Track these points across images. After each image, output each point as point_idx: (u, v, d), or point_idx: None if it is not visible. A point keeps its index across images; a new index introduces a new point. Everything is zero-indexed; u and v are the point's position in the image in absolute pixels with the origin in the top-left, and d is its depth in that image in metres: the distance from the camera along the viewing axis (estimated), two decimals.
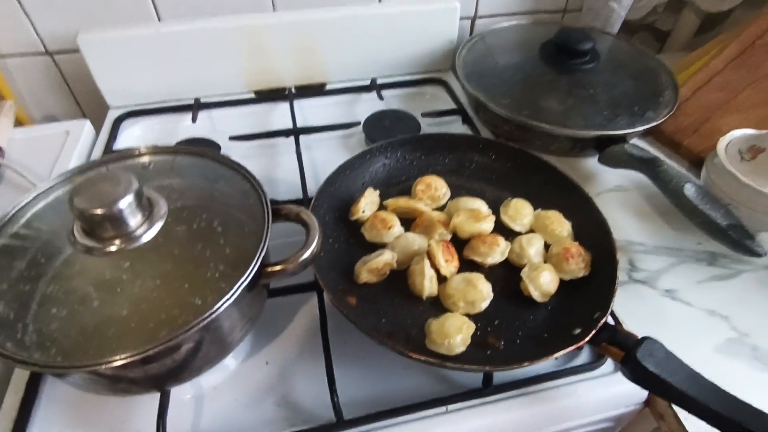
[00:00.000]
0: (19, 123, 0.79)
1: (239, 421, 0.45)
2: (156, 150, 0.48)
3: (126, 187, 0.37)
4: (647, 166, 0.60)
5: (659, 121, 0.67)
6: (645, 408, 0.50)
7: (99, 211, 0.36)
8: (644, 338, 0.42)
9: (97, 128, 0.76)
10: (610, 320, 0.51)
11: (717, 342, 0.52)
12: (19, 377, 0.47)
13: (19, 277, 0.37)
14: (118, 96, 0.78)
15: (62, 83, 0.81)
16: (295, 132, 0.72)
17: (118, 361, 0.32)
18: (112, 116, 0.77)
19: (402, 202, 0.56)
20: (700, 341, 0.52)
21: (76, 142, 0.72)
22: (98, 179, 0.37)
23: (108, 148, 0.71)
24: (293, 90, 0.82)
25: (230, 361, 0.49)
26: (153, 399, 0.43)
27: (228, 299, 0.36)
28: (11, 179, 0.66)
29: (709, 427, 0.39)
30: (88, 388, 0.38)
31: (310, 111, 0.81)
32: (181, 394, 0.47)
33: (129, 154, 0.47)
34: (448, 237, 0.55)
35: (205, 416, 0.46)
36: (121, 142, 0.74)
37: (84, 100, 0.84)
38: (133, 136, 0.76)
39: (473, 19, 0.90)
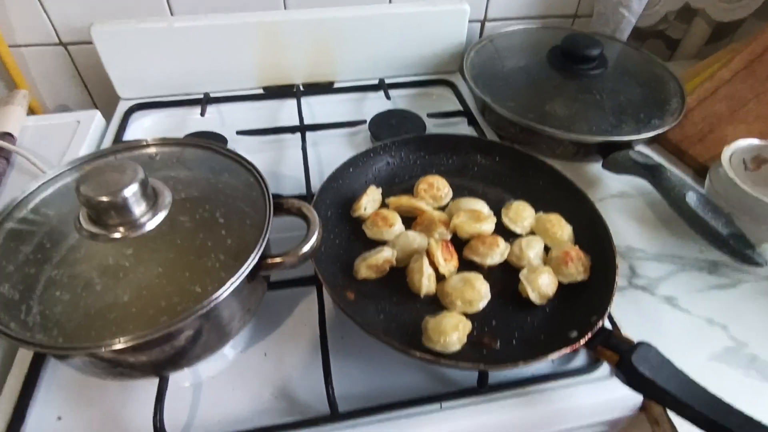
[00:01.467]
0: (32, 112, 0.81)
1: (236, 410, 0.46)
2: (163, 142, 0.49)
3: (131, 176, 0.38)
4: (650, 172, 0.60)
5: (664, 129, 0.67)
6: (640, 413, 0.50)
7: (104, 199, 0.37)
8: (639, 343, 0.42)
9: (108, 119, 0.77)
10: (608, 325, 0.52)
11: (714, 350, 0.52)
12: (22, 359, 0.48)
13: (25, 260, 0.38)
14: (129, 88, 0.79)
15: (75, 74, 0.82)
16: (302, 128, 0.72)
17: (118, 345, 0.33)
18: (122, 107, 0.78)
19: (404, 200, 0.57)
20: (698, 349, 0.51)
21: (87, 131, 0.73)
22: (105, 168, 0.38)
23: (117, 138, 0.72)
24: (301, 87, 0.83)
25: (229, 351, 0.50)
26: (152, 385, 0.44)
27: (227, 288, 0.36)
28: (22, 166, 0.68)
29: None
30: (88, 371, 0.39)
31: (318, 108, 0.82)
32: (179, 381, 0.47)
33: (136, 144, 0.48)
34: (449, 236, 0.55)
35: (203, 404, 0.46)
36: (131, 134, 0.75)
37: (96, 91, 0.85)
38: (143, 127, 0.77)
39: (483, 22, 0.90)
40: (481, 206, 0.58)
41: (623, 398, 0.48)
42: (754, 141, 0.60)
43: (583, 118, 0.68)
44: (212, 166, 0.47)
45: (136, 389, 0.47)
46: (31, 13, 0.73)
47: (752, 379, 0.49)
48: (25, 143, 0.71)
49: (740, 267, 0.58)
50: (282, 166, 0.71)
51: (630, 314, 0.54)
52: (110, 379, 0.40)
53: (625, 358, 0.41)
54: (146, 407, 0.43)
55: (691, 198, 0.55)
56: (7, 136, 0.69)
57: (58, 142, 0.71)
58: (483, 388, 0.46)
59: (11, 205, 0.42)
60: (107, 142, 0.73)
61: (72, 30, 0.76)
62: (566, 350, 0.43)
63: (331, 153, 0.72)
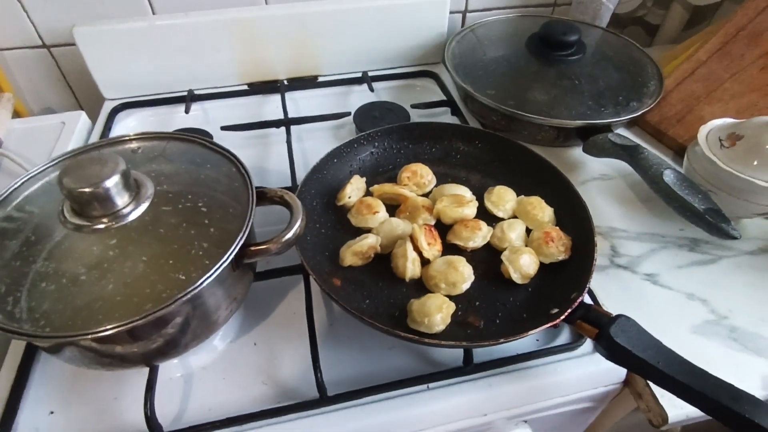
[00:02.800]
0: (17, 115, 0.81)
1: (227, 398, 0.46)
2: (146, 136, 0.49)
3: (113, 168, 0.38)
4: (629, 153, 0.61)
5: (643, 111, 0.68)
6: (624, 388, 0.52)
7: (87, 190, 0.37)
8: (617, 315, 0.43)
9: (93, 120, 0.78)
10: (591, 303, 0.53)
11: (695, 323, 0.53)
12: (14, 355, 0.48)
13: (12, 254, 0.38)
14: (113, 88, 0.79)
15: (59, 76, 0.82)
16: (286, 122, 0.73)
17: (103, 333, 0.33)
18: (107, 108, 0.79)
19: (387, 188, 0.58)
20: (679, 323, 0.53)
21: (72, 132, 0.73)
22: (86, 161, 0.39)
23: (104, 138, 0.73)
24: (285, 82, 0.84)
25: (219, 342, 0.51)
26: (143, 376, 0.45)
27: (211, 275, 0.37)
28: (8, 168, 0.68)
29: (684, 404, 0.40)
30: (78, 362, 0.40)
31: (303, 102, 0.82)
32: (170, 372, 0.48)
33: (119, 139, 0.49)
34: (432, 222, 0.56)
35: (194, 394, 0.47)
36: (116, 133, 0.75)
37: (81, 93, 0.85)
38: (128, 127, 0.78)
39: (464, 13, 0.91)
40: (464, 191, 0.59)
41: (606, 372, 0.49)
42: (729, 120, 0.62)
43: (563, 103, 0.69)
44: (194, 159, 0.48)
45: (127, 382, 0.47)
46: (13, 16, 0.73)
47: (732, 350, 0.51)
48: (11, 146, 0.71)
49: (721, 243, 0.59)
50: (267, 160, 0.71)
51: (612, 292, 0.55)
52: (100, 369, 0.41)
53: (604, 330, 0.42)
54: (138, 399, 0.44)
55: (668, 176, 0.56)
56: None
57: (44, 143, 0.71)
58: (468, 366, 0.47)
59: None
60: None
61: (55, 32, 0.76)
62: (548, 325, 0.44)
63: (316, 146, 0.73)
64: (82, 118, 0.76)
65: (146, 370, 0.45)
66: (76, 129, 0.74)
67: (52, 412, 0.45)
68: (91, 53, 0.75)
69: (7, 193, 0.43)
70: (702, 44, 0.75)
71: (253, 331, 0.52)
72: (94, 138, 0.74)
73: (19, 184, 0.44)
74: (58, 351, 0.38)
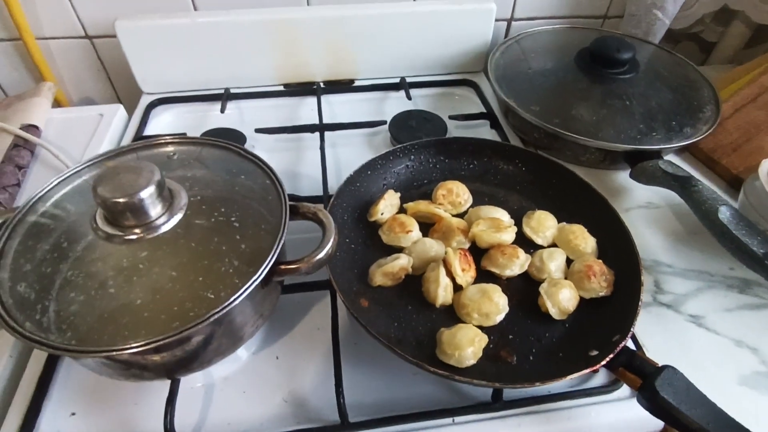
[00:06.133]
0: (58, 104, 0.82)
1: (246, 413, 0.46)
2: (182, 140, 0.49)
3: (148, 178, 0.38)
4: (680, 184, 0.58)
5: (697, 138, 0.64)
6: None
7: (121, 200, 0.36)
8: (664, 366, 0.40)
9: (130, 113, 0.78)
10: (631, 344, 0.50)
11: (743, 374, 0.49)
12: (38, 356, 0.48)
13: (42, 259, 0.38)
14: (151, 83, 0.80)
15: (100, 67, 0.83)
16: (321, 128, 0.72)
17: (128, 350, 0.33)
18: (144, 102, 0.79)
19: (422, 206, 0.56)
20: (725, 372, 0.49)
21: (109, 125, 0.73)
22: (122, 169, 0.38)
23: (139, 133, 0.73)
24: (322, 84, 0.83)
25: (242, 352, 0.50)
26: (165, 384, 0.44)
27: (240, 295, 0.36)
28: (46, 159, 0.69)
29: None
30: (101, 372, 0.39)
31: (338, 107, 0.81)
32: (191, 382, 0.47)
33: (156, 142, 0.48)
34: (467, 245, 0.54)
35: (214, 406, 0.46)
36: (152, 128, 0.75)
37: (120, 85, 0.86)
38: (163, 122, 0.77)
39: (509, 21, 0.88)
40: (502, 214, 0.56)
41: (644, 420, 0.46)
42: None
43: (611, 124, 0.66)
44: (229, 167, 0.47)
45: (149, 388, 0.47)
46: (58, 5, 0.74)
47: None
48: (50, 135, 0.72)
49: None
50: (300, 165, 0.70)
51: (653, 332, 0.52)
52: (122, 379, 0.40)
53: (648, 382, 0.39)
54: (158, 406, 0.43)
55: (724, 213, 0.53)
56: (32, 128, 0.70)
57: (81, 135, 0.72)
58: (497, 403, 0.45)
59: (32, 199, 0.42)
60: (128, 137, 0.73)
61: (98, 23, 0.77)
62: (586, 371, 0.41)
63: (350, 154, 0.71)
64: (120, 111, 0.76)
65: (167, 381, 0.44)
66: (113, 122, 0.74)
67: (73, 414, 0.45)
68: (131, 46, 0.75)
69: (43, 192, 0.43)
70: (766, 68, 0.71)
71: (276, 343, 0.51)
72: (130, 132, 0.74)
73: (55, 183, 0.44)
74: (84, 360, 0.38)
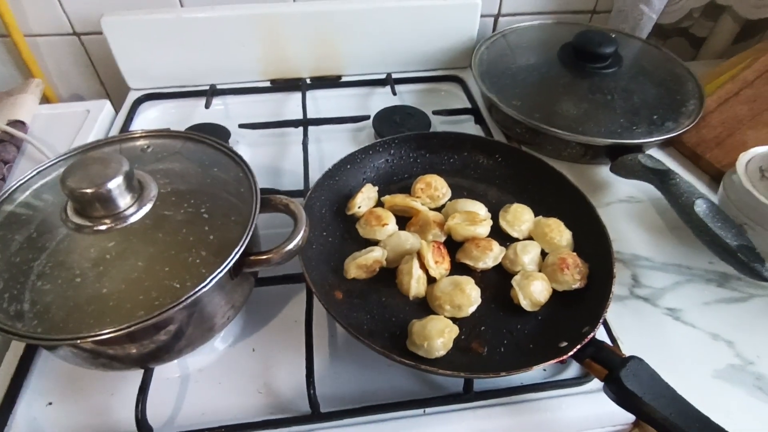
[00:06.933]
0: (47, 100, 0.83)
1: (221, 404, 0.46)
2: (157, 134, 0.49)
3: (116, 169, 0.38)
4: (659, 178, 0.58)
5: (678, 132, 0.64)
6: (633, 429, 0.49)
7: (88, 191, 0.37)
8: (630, 357, 0.40)
9: (118, 109, 0.78)
10: (605, 336, 0.50)
11: (718, 367, 0.49)
12: (15, 348, 0.49)
13: (14, 249, 0.39)
14: (138, 78, 0.80)
15: (88, 63, 0.84)
16: (304, 123, 0.72)
17: (91, 338, 0.33)
18: (131, 98, 0.79)
19: (399, 199, 0.56)
20: (700, 365, 0.49)
21: (95, 121, 0.74)
22: (90, 160, 0.39)
23: (125, 129, 0.73)
24: (308, 80, 0.83)
25: (218, 345, 0.50)
26: (141, 375, 0.45)
27: (205, 286, 0.36)
28: (32, 154, 0.69)
29: None
30: (72, 361, 0.40)
31: (324, 102, 0.81)
32: (167, 373, 0.48)
33: (130, 136, 0.48)
34: (443, 238, 0.54)
35: (189, 396, 0.47)
36: (138, 124, 0.76)
37: (108, 81, 0.86)
38: (150, 118, 0.78)
39: (496, 17, 0.88)
40: (479, 208, 0.56)
41: (615, 413, 0.46)
42: None
43: (593, 118, 0.66)
44: (203, 160, 0.47)
45: (125, 378, 0.47)
46: (45, 2, 0.75)
47: (757, 399, 0.47)
48: (36, 131, 0.72)
49: (753, 281, 0.55)
50: (283, 160, 0.70)
51: (630, 325, 0.52)
52: (94, 368, 0.41)
53: (614, 373, 0.39)
54: (134, 396, 0.44)
55: (700, 206, 0.53)
56: (19, 124, 0.70)
57: (68, 130, 0.73)
58: (468, 394, 0.45)
59: (7, 190, 0.43)
60: (115, 132, 0.74)
61: (85, 20, 0.77)
62: (553, 361, 0.41)
63: (333, 149, 0.71)
64: (107, 107, 0.77)
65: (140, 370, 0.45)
66: (99, 118, 0.75)
67: (50, 403, 0.46)
68: (117, 42, 0.75)
69: (17, 185, 0.44)
70: (750, 63, 0.70)
71: (252, 336, 0.51)
72: (116, 127, 0.74)
73: (30, 176, 0.45)
74: (52, 349, 0.38)
